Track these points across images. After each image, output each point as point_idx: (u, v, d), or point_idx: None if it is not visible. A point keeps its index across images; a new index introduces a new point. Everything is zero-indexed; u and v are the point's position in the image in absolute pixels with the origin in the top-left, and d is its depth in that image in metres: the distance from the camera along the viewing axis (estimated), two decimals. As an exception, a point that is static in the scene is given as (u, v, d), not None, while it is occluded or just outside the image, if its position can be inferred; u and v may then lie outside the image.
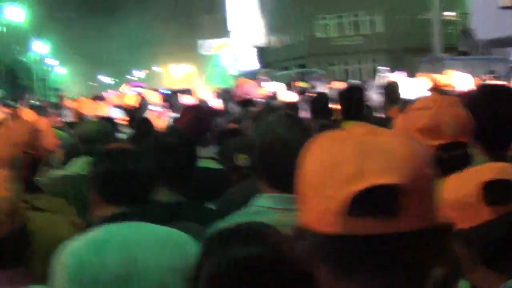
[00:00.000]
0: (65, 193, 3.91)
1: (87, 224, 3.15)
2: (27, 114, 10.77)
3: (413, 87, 10.23)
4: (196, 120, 5.41)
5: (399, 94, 7.50)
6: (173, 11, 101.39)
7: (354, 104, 5.99)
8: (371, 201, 1.18)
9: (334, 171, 1.22)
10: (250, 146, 3.40)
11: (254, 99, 7.74)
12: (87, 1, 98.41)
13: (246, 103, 7.27)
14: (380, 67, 26.16)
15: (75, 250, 2.56)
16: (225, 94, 11.16)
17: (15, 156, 3.39)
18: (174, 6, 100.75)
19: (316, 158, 1.27)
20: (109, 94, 19.30)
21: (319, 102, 6.31)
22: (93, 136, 5.16)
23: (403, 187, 1.18)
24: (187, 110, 5.84)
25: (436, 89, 8.55)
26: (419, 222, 1.22)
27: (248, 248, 1.55)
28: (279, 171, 2.63)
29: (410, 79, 12.91)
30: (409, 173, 1.20)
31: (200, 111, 5.80)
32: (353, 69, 50.00)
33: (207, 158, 4.70)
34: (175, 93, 18.11)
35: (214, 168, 4.70)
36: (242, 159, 4.34)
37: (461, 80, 11.02)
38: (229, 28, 69.93)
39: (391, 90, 7.55)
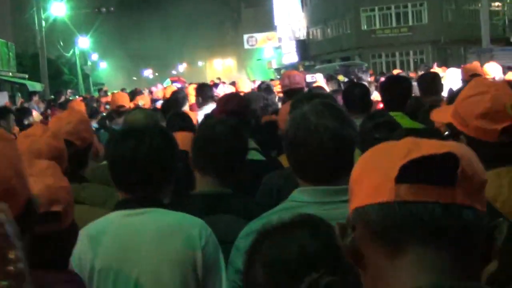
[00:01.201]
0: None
1: None
2: (78, 105, 10.62)
3: (455, 78, 9.84)
4: (236, 110, 5.13)
5: (439, 86, 7.09)
6: (216, 5, 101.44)
7: (397, 95, 5.67)
8: (429, 168, 1.22)
9: (391, 149, 1.29)
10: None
11: (300, 88, 7.38)
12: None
13: (292, 93, 6.82)
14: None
15: (79, 241, 2.53)
16: (266, 87, 10.88)
17: (61, 146, 3.33)
18: (217, 1, 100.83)
19: (373, 148, 1.35)
20: (156, 88, 19.42)
21: (358, 94, 5.93)
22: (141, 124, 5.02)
23: (460, 157, 1.22)
24: (226, 99, 5.56)
25: (475, 76, 8.01)
26: (476, 202, 1.25)
27: (305, 238, 1.67)
28: (314, 163, 2.54)
29: (453, 69, 12.40)
30: (462, 152, 1.25)
31: (241, 101, 5.48)
32: (399, 61, 49.30)
33: (251, 149, 4.43)
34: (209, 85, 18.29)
35: (258, 160, 4.53)
36: None
37: (498, 71, 10.44)
38: (275, 23, 69.67)
39: (429, 81, 7.11)
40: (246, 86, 10.49)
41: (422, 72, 11.41)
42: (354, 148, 2.61)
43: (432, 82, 7.02)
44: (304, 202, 2.50)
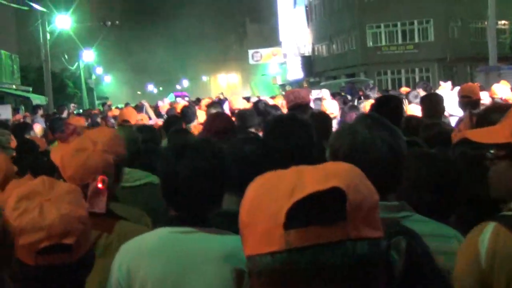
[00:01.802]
0: (137, 203, 3.89)
1: None
2: (77, 121, 10.48)
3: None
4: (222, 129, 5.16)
5: (441, 108, 7.02)
6: (221, 20, 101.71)
7: (389, 114, 5.49)
8: (316, 208, 1.18)
9: (277, 186, 1.22)
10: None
11: (306, 103, 7.35)
12: (134, 11, 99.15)
13: (298, 108, 6.85)
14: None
15: (127, 253, 2.70)
16: (265, 105, 10.77)
17: (111, 161, 3.28)
18: (222, 16, 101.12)
19: (255, 184, 1.27)
20: (163, 103, 19.51)
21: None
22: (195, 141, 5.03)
23: (346, 189, 1.18)
24: (213, 119, 5.63)
25: (466, 98, 7.85)
26: (370, 229, 1.22)
27: None
28: (367, 175, 2.33)
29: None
30: (350, 181, 1.21)
31: (227, 120, 5.64)
32: (404, 79, 49.18)
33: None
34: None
35: None
36: None
37: (506, 91, 10.39)
38: (280, 39, 69.72)
39: (433, 102, 7.04)
40: (239, 103, 10.34)
41: (420, 90, 11.31)
42: (404, 161, 2.55)
43: (436, 104, 6.96)
44: None
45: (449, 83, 16.09)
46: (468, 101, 7.60)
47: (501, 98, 9.83)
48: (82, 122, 10.94)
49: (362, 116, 2.61)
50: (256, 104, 11.08)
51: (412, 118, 6.50)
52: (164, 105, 18.11)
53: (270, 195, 1.22)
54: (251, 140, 3.53)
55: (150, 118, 11.62)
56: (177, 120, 8.49)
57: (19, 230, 2.00)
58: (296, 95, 7.34)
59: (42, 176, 2.22)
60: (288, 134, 4.00)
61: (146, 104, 14.86)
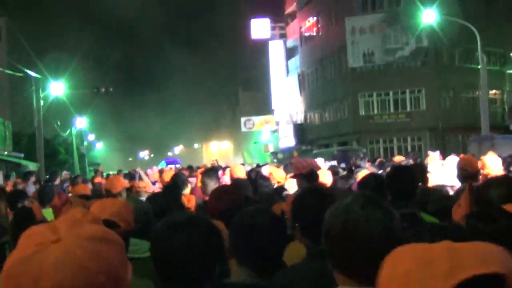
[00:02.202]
0: (146, 274, 3.84)
1: None
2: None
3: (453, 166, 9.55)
4: (232, 202, 5.07)
5: (423, 178, 7.08)
6: (214, 88, 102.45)
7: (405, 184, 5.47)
8: None
9: (429, 262, 1.19)
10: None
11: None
12: (127, 79, 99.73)
13: (311, 175, 6.88)
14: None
15: None
16: (256, 174, 10.81)
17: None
18: (215, 84, 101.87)
19: (405, 255, 1.25)
20: (152, 170, 19.48)
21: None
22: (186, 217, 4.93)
23: (506, 276, 1.15)
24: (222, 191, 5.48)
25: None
26: None
27: None
28: (363, 259, 2.37)
29: (452, 157, 12.37)
30: (509, 265, 1.17)
31: (236, 192, 5.46)
32: (397, 147, 49.28)
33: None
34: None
35: None
36: None
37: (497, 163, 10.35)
38: (273, 106, 70.14)
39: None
40: (241, 172, 10.31)
41: (410, 160, 11.46)
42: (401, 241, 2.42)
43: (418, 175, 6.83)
44: None
45: (437, 152, 16.27)
46: (466, 174, 7.51)
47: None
48: (87, 190, 10.77)
49: (357, 194, 2.57)
50: (249, 173, 11.12)
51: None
52: (153, 172, 18.09)
53: (425, 271, 1.20)
54: (263, 211, 3.49)
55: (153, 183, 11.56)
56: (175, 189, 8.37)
57: None
58: (307, 163, 7.35)
59: None
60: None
61: (141, 172, 14.74)
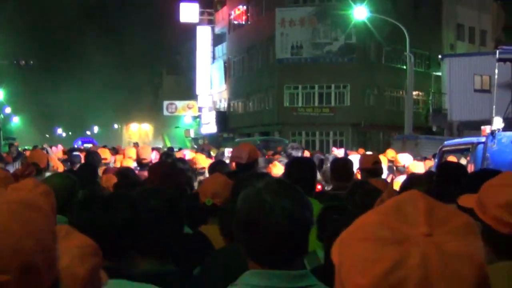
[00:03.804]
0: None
1: None
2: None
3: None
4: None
5: (350, 172, 7.16)
6: (137, 69, 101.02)
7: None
8: None
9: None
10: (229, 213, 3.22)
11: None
12: (50, 54, 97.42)
13: (253, 164, 6.88)
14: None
15: None
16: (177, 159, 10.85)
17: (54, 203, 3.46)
18: (138, 65, 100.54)
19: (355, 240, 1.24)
20: (57, 149, 19.35)
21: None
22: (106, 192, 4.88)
23: None
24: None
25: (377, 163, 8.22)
26: None
27: None
28: (269, 246, 2.38)
29: (353, 155, 12.99)
30: None
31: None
32: (319, 141, 49.39)
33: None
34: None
35: (186, 233, 4.36)
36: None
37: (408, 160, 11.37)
38: (197, 92, 69.50)
39: (341, 167, 7.22)
40: (148, 154, 10.35)
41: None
42: (309, 230, 2.48)
43: (343, 168, 7.13)
44: (258, 286, 2.35)
45: (342, 150, 16.84)
46: (368, 170, 7.83)
47: (403, 166, 10.89)
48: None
49: (270, 181, 2.56)
50: (161, 156, 11.30)
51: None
52: (57, 150, 17.98)
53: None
54: (158, 193, 3.49)
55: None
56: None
57: None
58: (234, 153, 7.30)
59: None
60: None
61: (48, 149, 14.44)
